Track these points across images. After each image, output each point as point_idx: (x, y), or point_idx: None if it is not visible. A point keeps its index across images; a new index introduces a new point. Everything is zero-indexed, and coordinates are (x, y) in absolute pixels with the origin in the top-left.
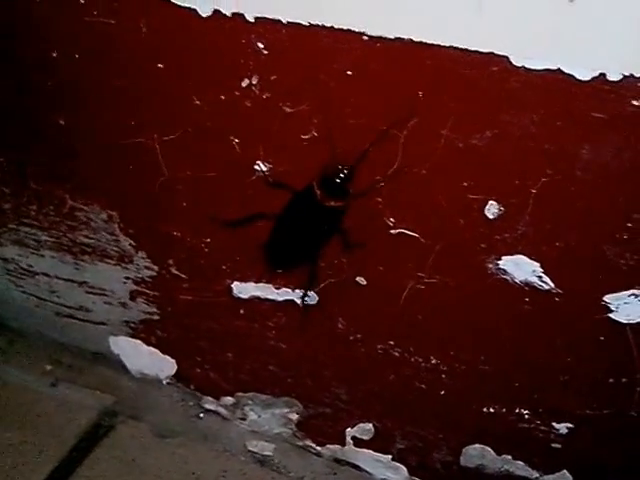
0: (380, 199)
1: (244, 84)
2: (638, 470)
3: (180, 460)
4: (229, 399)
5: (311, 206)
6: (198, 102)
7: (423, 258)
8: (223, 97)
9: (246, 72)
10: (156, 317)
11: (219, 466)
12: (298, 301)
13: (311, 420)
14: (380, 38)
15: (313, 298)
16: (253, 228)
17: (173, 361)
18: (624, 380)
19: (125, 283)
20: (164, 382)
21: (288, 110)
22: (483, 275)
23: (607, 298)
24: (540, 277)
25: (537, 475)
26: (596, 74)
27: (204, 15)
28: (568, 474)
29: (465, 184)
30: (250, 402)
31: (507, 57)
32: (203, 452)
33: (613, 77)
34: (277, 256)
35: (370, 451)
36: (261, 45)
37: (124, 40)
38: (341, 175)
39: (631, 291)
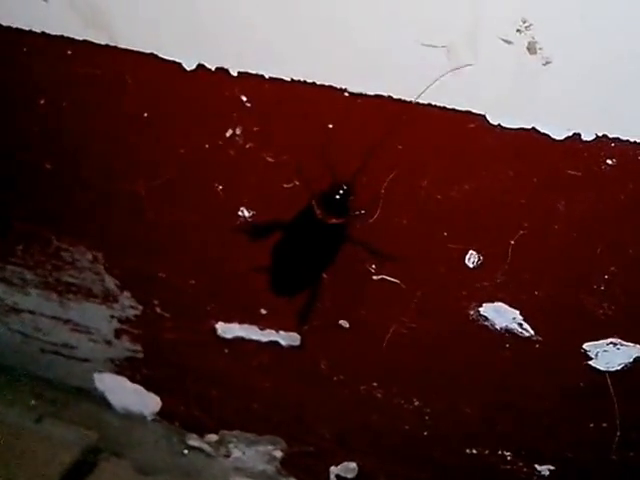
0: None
1: (228, 134)
2: None
3: None
4: (213, 436)
5: (312, 226)
6: (183, 150)
7: (405, 303)
8: (207, 146)
9: (230, 123)
10: (140, 355)
11: None
12: (282, 342)
13: (295, 458)
14: (360, 94)
15: (297, 339)
16: (236, 270)
17: (157, 398)
18: (604, 425)
19: (110, 322)
20: (148, 419)
21: (270, 160)
22: (464, 321)
23: (586, 346)
24: (520, 324)
25: None
26: (570, 134)
27: (189, 69)
28: None
29: (445, 234)
30: (234, 439)
31: (484, 115)
32: None
33: (587, 137)
34: (282, 281)
35: None
36: (244, 98)
37: (110, 90)
38: (340, 191)
39: (609, 340)
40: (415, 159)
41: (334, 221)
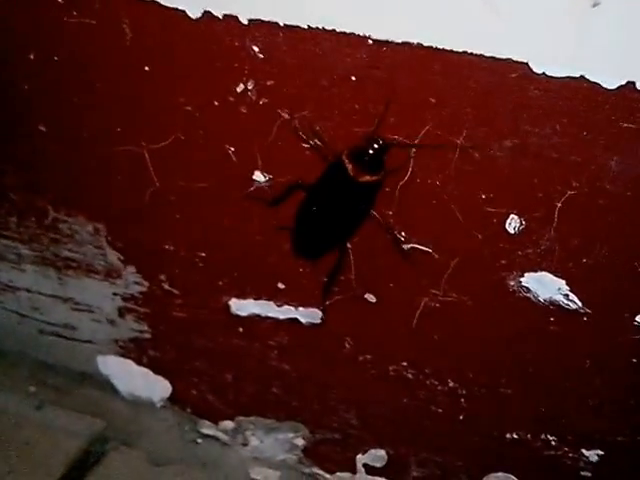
0: (391, 212)
1: (239, 89)
2: None
3: None
4: (229, 423)
5: (342, 183)
6: (189, 108)
7: (438, 275)
8: (217, 103)
9: (241, 77)
10: (147, 335)
11: None
12: (302, 319)
13: (319, 446)
14: (386, 42)
15: (317, 316)
16: (251, 242)
17: (167, 382)
18: None
19: (113, 299)
20: (158, 405)
21: (286, 116)
22: (504, 293)
23: (639, 318)
24: (566, 295)
25: None
26: (623, 82)
27: (193, 17)
28: None
29: (483, 196)
30: (252, 426)
31: (527, 63)
32: None
33: None
34: (306, 243)
35: (383, 479)
36: (256, 49)
37: (107, 42)
38: (375, 145)
39: None
40: (450, 113)
41: (367, 179)
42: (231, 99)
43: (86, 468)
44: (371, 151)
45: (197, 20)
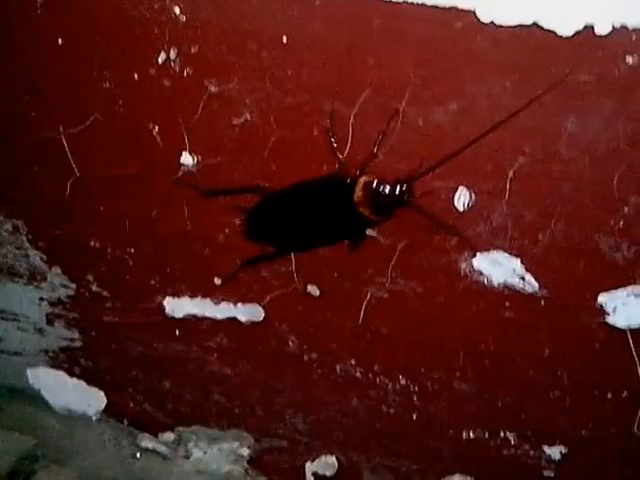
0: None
1: (160, 59)
2: None
3: None
4: (169, 435)
5: (338, 200)
6: (107, 84)
7: (384, 261)
8: (136, 76)
9: (162, 44)
10: (78, 343)
11: None
12: (242, 317)
13: (265, 455)
14: None
15: (258, 313)
16: (182, 233)
17: (102, 394)
18: (625, 395)
19: (40, 305)
20: (93, 418)
21: (214, 89)
22: (455, 278)
23: (602, 299)
24: (522, 277)
25: None
26: (580, 27)
27: None
28: None
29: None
30: (194, 437)
31: (473, 12)
32: None
33: (602, 30)
34: (266, 230)
35: None
36: (178, 10)
37: (14, 12)
38: (397, 192)
39: (630, 289)
40: (390, 75)
41: (368, 214)
42: (152, 71)
43: None
44: (390, 195)
45: None
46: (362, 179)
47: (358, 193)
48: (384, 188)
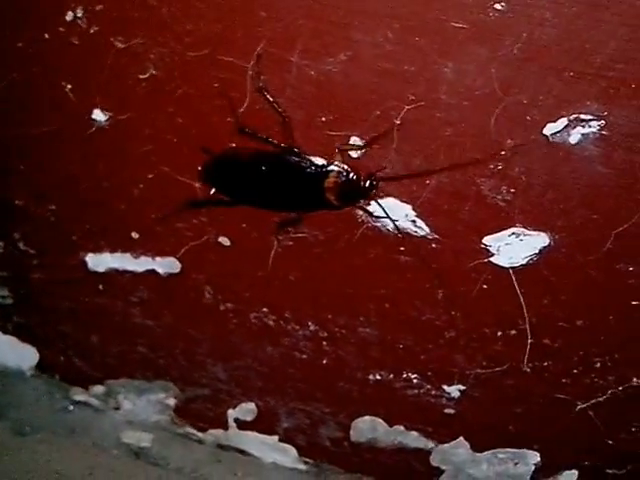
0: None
1: (68, 18)
2: (536, 432)
3: (42, 458)
4: (99, 388)
5: (306, 186)
6: (20, 44)
7: None
8: (47, 35)
9: (69, 3)
10: (9, 301)
11: (87, 462)
12: (160, 270)
13: (190, 404)
14: None
15: (175, 265)
16: (99, 188)
17: (34, 349)
18: (513, 332)
19: None
20: (27, 374)
21: (120, 45)
22: (353, 224)
23: (487, 240)
24: (414, 222)
25: (432, 445)
26: None
27: None
28: (465, 441)
29: (323, 119)
30: (122, 389)
31: None
32: (70, 448)
33: None
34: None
35: (255, 433)
36: None
37: None
38: (368, 185)
39: (511, 230)
40: (283, 27)
41: (333, 200)
42: (61, 30)
43: None
44: (361, 187)
45: None
46: (335, 169)
47: (330, 180)
48: (355, 182)
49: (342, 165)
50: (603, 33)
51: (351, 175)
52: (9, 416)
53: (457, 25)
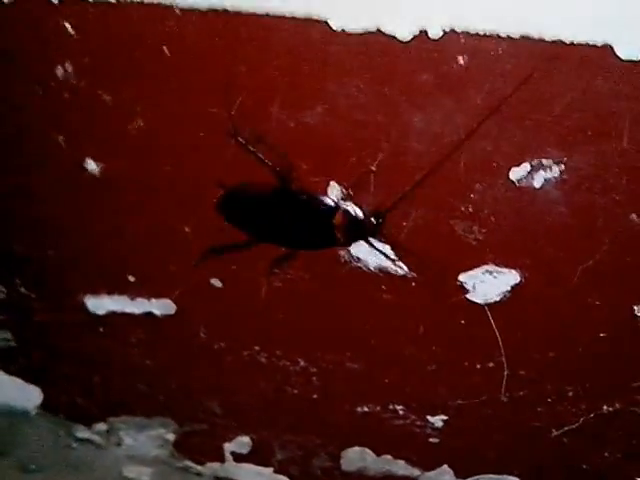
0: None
1: (59, 73)
2: (516, 458)
3: None
4: (102, 425)
5: (317, 224)
6: (15, 98)
7: (276, 251)
8: (41, 91)
9: (59, 58)
10: (13, 343)
11: None
12: (156, 312)
13: (188, 439)
14: (193, 10)
15: (171, 307)
16: (95, 233)
17: (38, 389)
18: (491, 365)
19: None
20: (32, 413)
21: (107, 98)
22: (337, 265)
23: (462, 278)
24: (394, 261)
25: (418, 473)
26: (417, 32)
27: (6, 1)
28: (448, 468)
29: (305, 166)
30: (124, 426)
31: (326, 21)
32: None
33: (434, 34)
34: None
35: (250, 465)
36: (69, 26)
37: None
38: (374, 223)
39: (485, 268)
40: (261, 81)
41: (339, 238)
42: (53, 84)
43: None
44: (366, 227)
45: (9, 3)
46: (342, 207)
47: (338, 218)
48: (362, 220)
49: (351, 204)
50: (560, 84)
51: (356, 215)
52: (15, 454)
53: (424, 78)
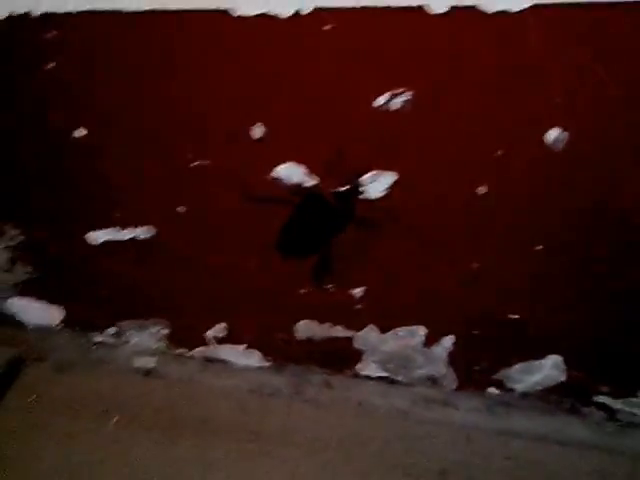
0: None
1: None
2: (422, 312)
3: (81, 386)
4: (112, 329)
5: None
6: None
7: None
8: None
9: None
10: (36, 275)
11: (113, 383)
12: (141, 236)
13: (179, 332)
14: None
15: (152, 231)
16: (90, 186)
17: (60, 308)
18: None
19: (3, 252)
20: (57, 327)
21: None
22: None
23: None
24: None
25: (352, 333)
26: (292, 12)
27: None
28: (375, 327)
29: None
30: (128, 328)
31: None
32: (99, 376)
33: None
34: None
35: (228, 345)
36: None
37: None
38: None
39: None
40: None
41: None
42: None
43: (9, 380)
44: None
45: None
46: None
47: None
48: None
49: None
50: None
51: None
52: (49, 359)
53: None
